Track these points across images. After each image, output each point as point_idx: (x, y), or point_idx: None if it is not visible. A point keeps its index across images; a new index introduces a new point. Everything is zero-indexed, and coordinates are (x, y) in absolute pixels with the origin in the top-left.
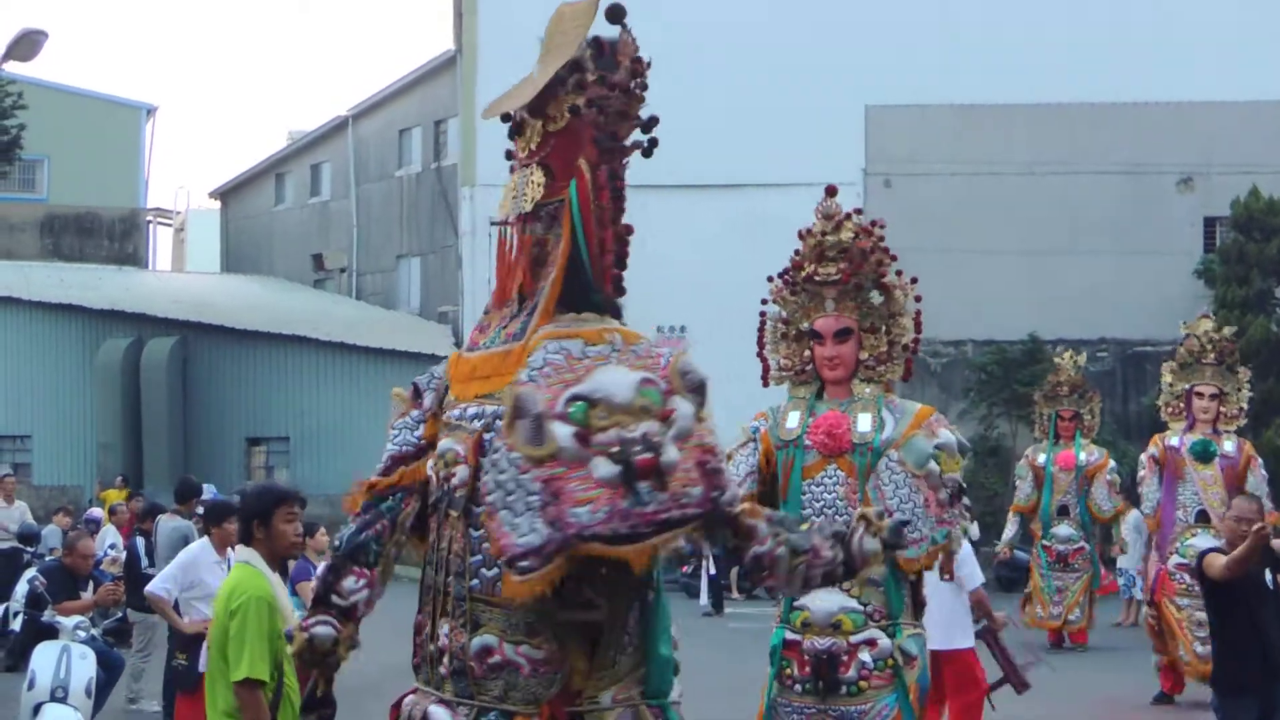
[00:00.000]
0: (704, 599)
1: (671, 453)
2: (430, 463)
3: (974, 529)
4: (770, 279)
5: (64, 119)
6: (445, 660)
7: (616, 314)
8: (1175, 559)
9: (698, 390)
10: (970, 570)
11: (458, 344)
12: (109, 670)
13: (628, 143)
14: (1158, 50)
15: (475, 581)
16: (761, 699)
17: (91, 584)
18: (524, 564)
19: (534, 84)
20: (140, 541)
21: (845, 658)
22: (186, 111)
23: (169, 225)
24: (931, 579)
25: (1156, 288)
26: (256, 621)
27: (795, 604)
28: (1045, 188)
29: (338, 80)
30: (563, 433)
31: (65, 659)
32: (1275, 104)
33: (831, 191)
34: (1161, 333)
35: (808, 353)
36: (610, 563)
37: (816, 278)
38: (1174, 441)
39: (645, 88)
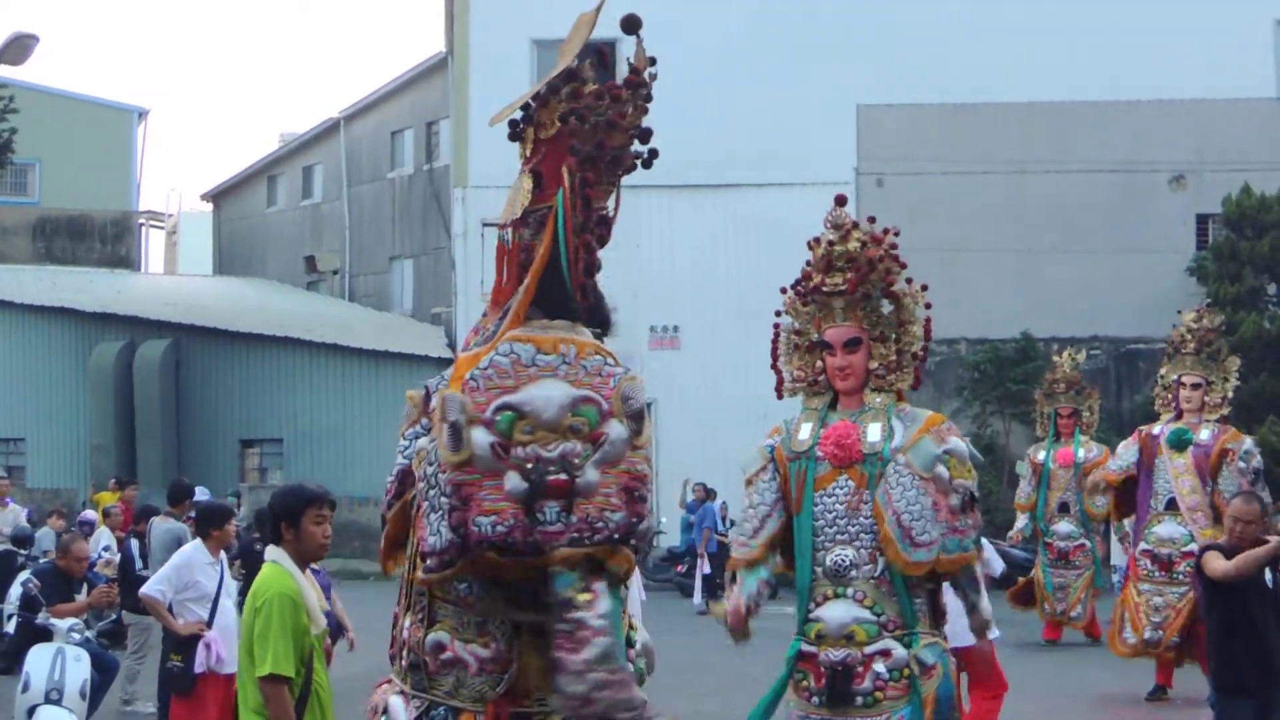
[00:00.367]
0: (698, 597)
1: (590, 476)
2: (414, 462)
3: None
4: (783, 290)
5: (55, 122)
6: (404, 653)
7: (596, 322)
8: (1142, 545)
9: (636, 417)
10: (988, 557)
11: (450, 345)
12: (103, 672)
13: (624, 153)
14: (1149, 48)
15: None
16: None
17: (86, 586)
18: (429, 563)
19: (529, 92)
20: (135, 544)
21: (860, 669)
22: (178, 114)
23: (161, 228)
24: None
25: (1149, 285)
26: (280, 618)
27: (809, 615)
28: (1037, 186)
29: (329, 82)
30: (481, 440)
31: (60, 661)
32: (1267, 101)
33: (840, 200)
34: (1154, 330)
35: (820, 364)
36: (537, 570)
37: (824, 288)
38: (1155, 430)
39: (647, 99)
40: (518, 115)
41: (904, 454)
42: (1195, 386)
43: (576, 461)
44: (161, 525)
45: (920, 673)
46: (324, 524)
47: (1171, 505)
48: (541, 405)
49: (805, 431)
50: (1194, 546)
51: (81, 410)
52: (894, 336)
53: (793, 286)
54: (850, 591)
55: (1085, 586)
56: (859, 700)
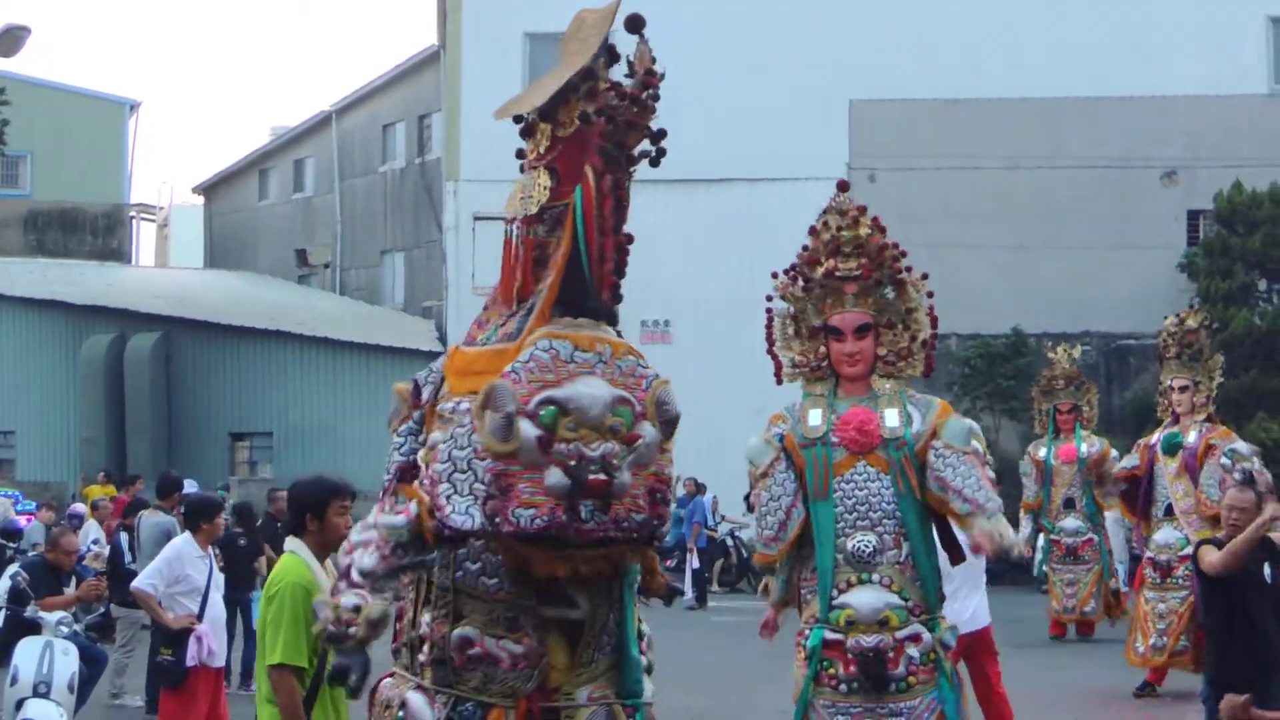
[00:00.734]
0: (688, 593)
1: (625, 477)
2: (420, 454)
3: None
4: (775, 274)
5: (47, 114)
6: (425, 648)
7: (612, 320)
8: (1146, 553)
9: (670, 423)
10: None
11: (441, 339)
12: (92, 665)
13: (635, 152)
14: (1141, 44)
15: (459, 573)
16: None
17: (74, 579)
18: (447, 533)
19: (546, 88)
20: (123, 537)
21: (892, 654)
22: (170, 107)
23: (152, 221)
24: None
25: (1140, 281)
26: (292, 607)
27: (834, 602)
28: (1029, 182)
29: (321, 75)
30: (529, 433)
31: (48, 654)
32: (1258, 98)
33: (843, 187)
34: (1145, 326)
35: (823, 349)
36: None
37: (838, 273)
38: (1153, 438)
39: (656, 99)
40: (530, 112)
41: (938, 438)
42: (1183, 389)
43: (615, 462)
44: (150, 519)
45: (945, 655)
46: (346, 515)
47: (1170, 511)
48: (588, 403)
49: (816, 418)
50: (1190, 550)
51: (71, 403)
52: (902, 324)
53: (787, 271)
54: (876, 577)
55: (1095, 581)
56: (893, 686)
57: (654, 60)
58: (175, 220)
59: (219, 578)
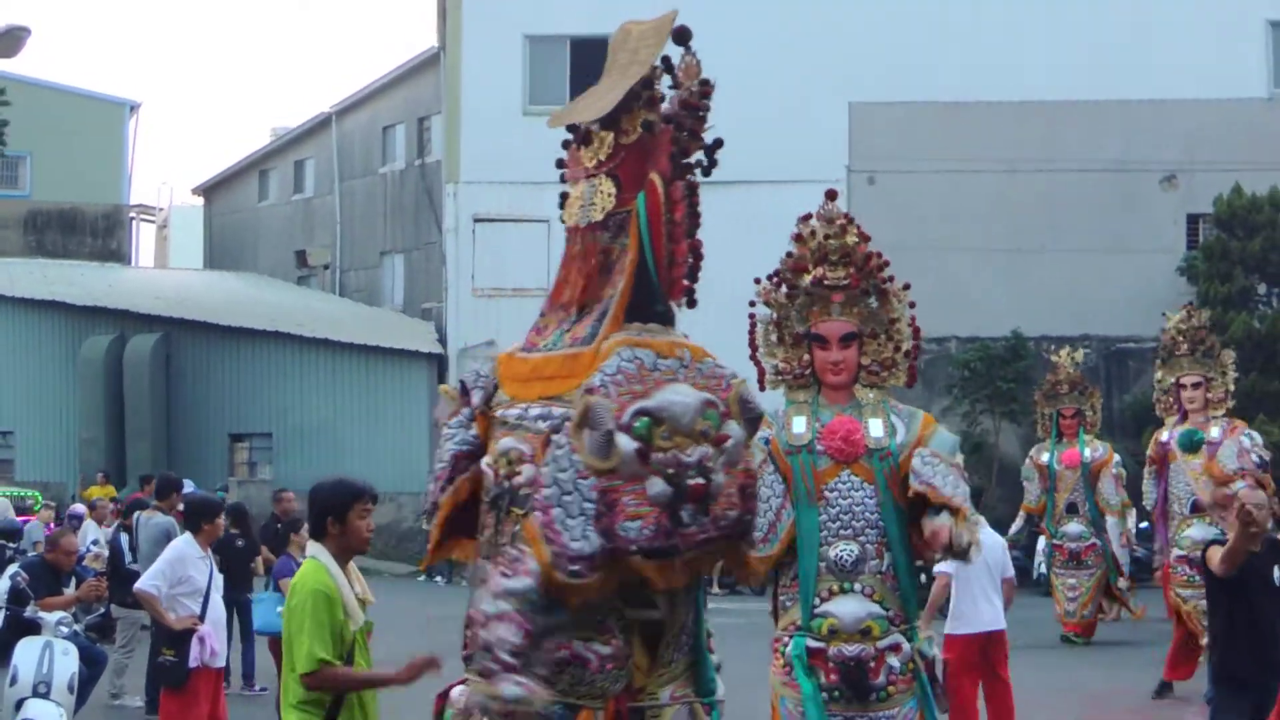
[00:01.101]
0: None
1: (720, 478)
2: (486, 460)
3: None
4: (758, 280)
5: (47, 115)
6: None
7: (671, 323)
8: (1175, 551)
9: (754, 421)
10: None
11: (441, 340)
12: (92, 666)
13: (691, 160)
14: (1141, 48)
15: None
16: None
17: (74, 580)
18: (574, 568)
19: (607, 98)
20: (124, 537)
21: (873, 664)
22: (170, 108)
23: (152, 222)
24: (970, 566)
25: (1139, 285)
26: (313, 611)
27: (816, 610)
28: (1029, 185)
29: (321, 77)
30: (627, 447)
31: (48, 655)
32: (1257, 101)
33: (831, 195)
34: (1144, 330)
35: (806, 356)
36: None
37: (826, 281)
38: (1164, 436)
39: (709, 109)
40: (590, 122)
41: (925, 446)
42: (1196, 386)
43: (710, 465)
44: (149, 519)
45: (923, 666)
46: (368, 518)
47: (1197, 507)
48: (680, 411)
49: (800, 425)
50: None
51: (71, 404)
52: (884, 333)
53: (770, 277)
54: (858, 586)
55: (1096, 586)
56: (874, 696)
57: (701, 70)
58: (175, 221)
59: (218, 578)
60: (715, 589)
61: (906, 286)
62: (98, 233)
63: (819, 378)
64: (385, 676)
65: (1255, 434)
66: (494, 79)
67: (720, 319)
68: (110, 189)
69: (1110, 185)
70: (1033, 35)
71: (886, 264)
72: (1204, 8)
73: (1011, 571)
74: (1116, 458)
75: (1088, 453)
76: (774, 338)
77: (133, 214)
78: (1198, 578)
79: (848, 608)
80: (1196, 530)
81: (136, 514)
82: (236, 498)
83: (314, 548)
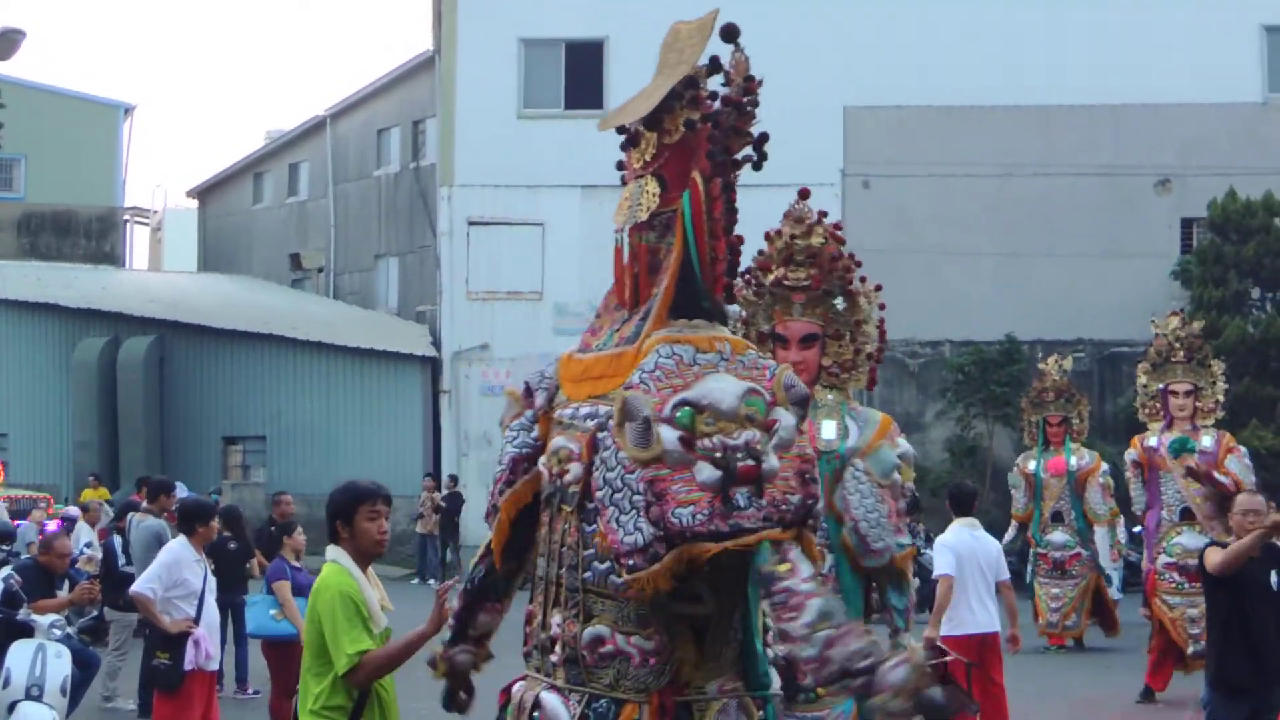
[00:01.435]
0: None
1: (772, 461)
2: (542, 460)
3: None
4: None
5: (41, 118)
6: (557, 649)
7: (723, 320)
8: (1163, 558)
9: (800, 404)
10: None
11: (435, 343)
12: (85, 669)
13: (739, 156)
14: (1135, 52)
15: (588, 574)
16: None
17: (67, 582)
18: (630, 562)
19: (650, 99)
20: (117, 540)
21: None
22: (164, 110)
23: (146, 224)
24: (966, 569)
25: (1133, 289)
26: (344, 610)
27: None
28: (1023, 189)
29: (316, 80)
30: (669, 436)
31: (41, 657)
32: (1251, 106)
33: (804, 194)
34: (1138, 334)
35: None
36: (713, 560)
37: (786, 282)
38: (1152, 442)
39: (756, 104)
40: (636, 122)
41: (863, 459)
42: (1188, 394)
43: (759, 448)
44: (141, 522)
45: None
46: (379, 519)
47: (1187, 515)
48: (719, 396)
49: None
50: None
51: (65, 406)
52: (849, 335)
53: (743, 274)
54: None
55: (1081, 596)
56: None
57: (749, 67)
58: (169, 224)
59: (212, 581)
60: None
61: (878, 288)
62: (92, 235)
63: None
64: (416, 635)
65: (1243, 449)
66: (489, 82)
67: None
68: (104, 191)
69: (1104, 189)
70: (1027, 40)
71: (857, 265)
72: (1199, 12)
73: (1007, 574)
74: (1105, 466)
75: (1074, 461)
76: (740, 336)
77: (127, 216)
78: (1186, 585)
79: None
80: (1186, 538)
81: (130, 515)
82: (230, 500)
83: (333, 551)
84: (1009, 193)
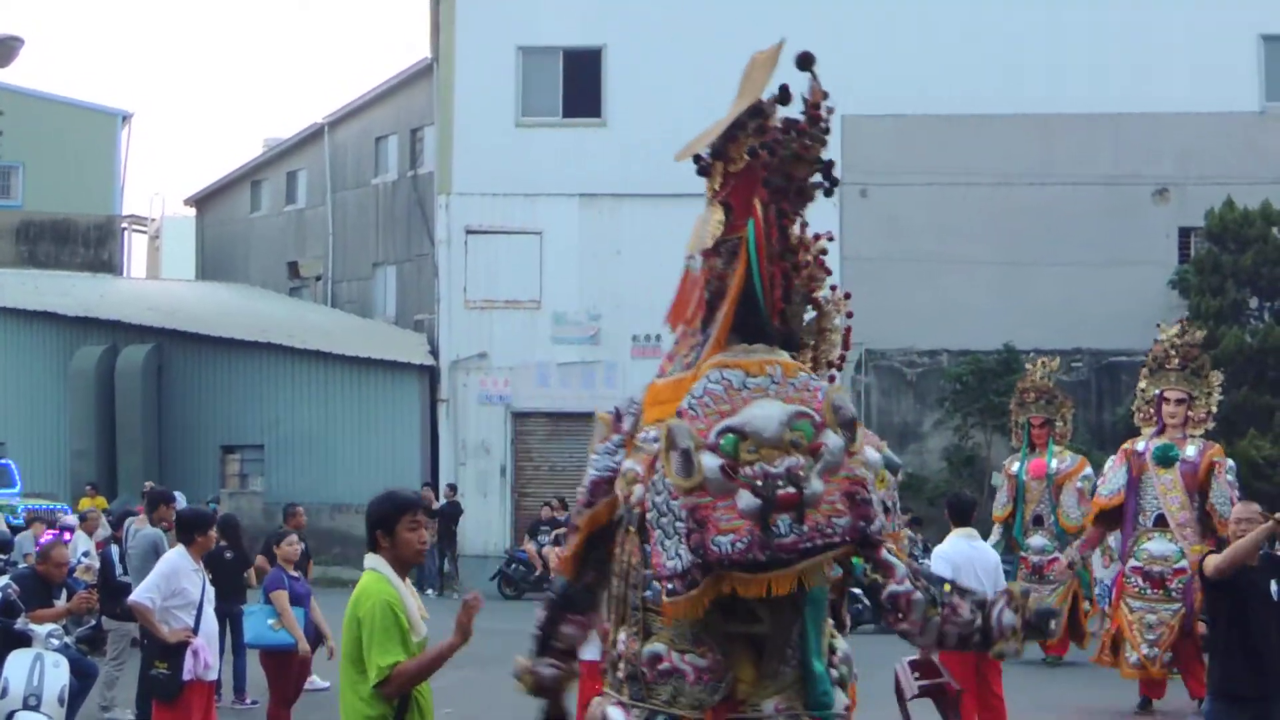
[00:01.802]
0: None
1: (816, 485)
2: (618, 483)
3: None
4: None
5: (39, 125)
6: (622, 665)
7: (791, 345)
8: (1132, 562)
9: (848, 425)
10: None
11: (433, 352)
12: (82, 678)
13: (809, 183)
14: (1134, 61)
15: (648, 592)
16: None
17: (65, 592)
18: (670, 586)
19: (718, 128)
20: (115, 549)
21: None
22: (162, 118)
23: (144, 232)
24: (964, 579)
25: (1131, 298)
26: (383, 621)
27: None
28: (1021, 198)
29: (314, 88)
30: (710, 464)
31: (38, 667)
32: (1250, 115)
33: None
34: (1136, 343)
35: None
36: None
37: None
38: (1139, 446)
39: (827, 132)
40: (705, 151)
41: None
42: (1180, 402)
43: (802, 474)
44: (138, 530)
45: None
46: (419, 529)
47: (1160, 521)
48: (762, 424)
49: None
50: (1185, 563)
51: (62, 415)
52: (812, 343)
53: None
54: None
55: (1060, 601)
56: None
57: (825, 95)
58: (167, 232)
59: (210, 591)
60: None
61: (847, 296)
62: (89, 243)
63: None
64: (447, 646)
65: (1231, 465)
66: (487, 90)
67: None
68: (102, 199)
69: (1102, 198)
70: (1026, 48)
71: (825, 273)
72: (1197, 22)
73: (1005, 585)
74: (1087, 470)
75: (1054, 464)
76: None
77: (125, 225)
78: (1149, 590)
79: None
80: (1155, 544)
81: (129, 521)
82: (228, 509)
83: (372, 559)
84: (1007, 202)
